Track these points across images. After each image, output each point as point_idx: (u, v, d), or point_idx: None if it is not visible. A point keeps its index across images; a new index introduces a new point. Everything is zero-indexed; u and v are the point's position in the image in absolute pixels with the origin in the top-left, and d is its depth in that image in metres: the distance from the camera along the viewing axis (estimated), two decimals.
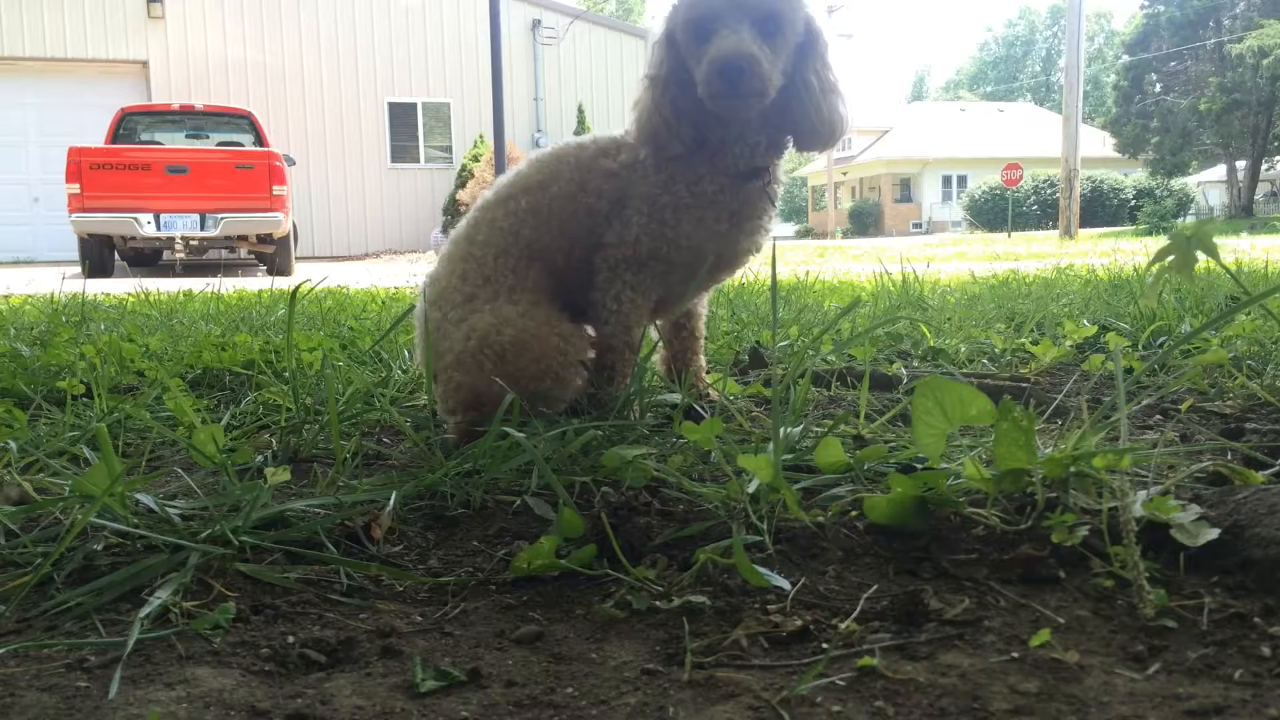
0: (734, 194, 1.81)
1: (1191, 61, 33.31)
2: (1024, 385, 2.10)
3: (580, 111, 19.76)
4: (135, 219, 11.12)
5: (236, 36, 18.72)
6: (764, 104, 1.69)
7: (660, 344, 2.11)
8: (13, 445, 1.59)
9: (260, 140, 13.06)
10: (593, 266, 1.85)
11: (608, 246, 1.83)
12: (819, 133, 1.76)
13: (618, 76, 21.50)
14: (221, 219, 11.41)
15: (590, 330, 1.90)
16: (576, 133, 19.17)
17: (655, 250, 1.80)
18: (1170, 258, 1.27)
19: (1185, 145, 33.43)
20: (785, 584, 1.04)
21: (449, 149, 20.12)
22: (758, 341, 2.80)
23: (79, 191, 10.96)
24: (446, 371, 1.73)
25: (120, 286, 6.64)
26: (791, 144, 1.84)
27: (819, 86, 1.74)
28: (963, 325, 3.06)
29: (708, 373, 2.16)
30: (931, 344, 2.69)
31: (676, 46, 1.74)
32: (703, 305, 2.12)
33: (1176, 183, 37.07)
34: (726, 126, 1.77)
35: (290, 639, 0.98)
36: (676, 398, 1.85)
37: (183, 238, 11.57)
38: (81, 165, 11.00)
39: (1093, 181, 37.22)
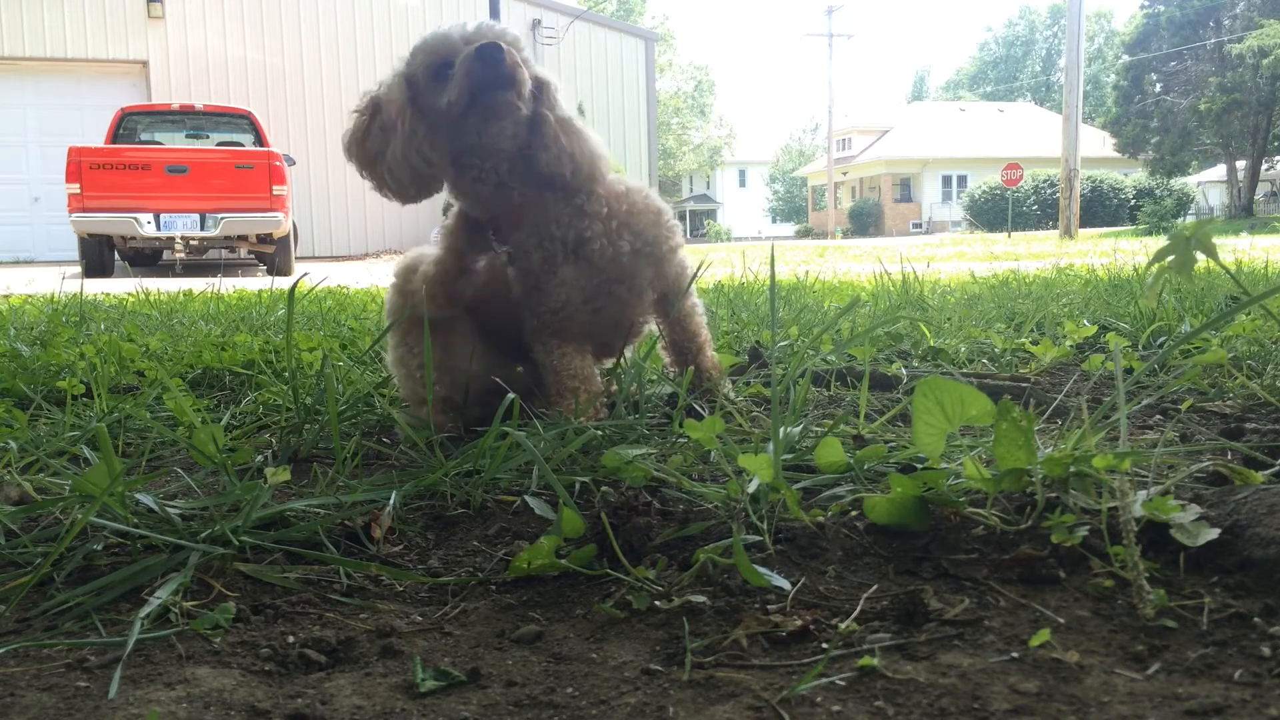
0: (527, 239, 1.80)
1: (1191, 61, 33.31)
2: (1024, 385, 2.10)
3: (580, 111, 19.64)
4: (135, 219, 11.11)
5: (236, 36, 18.71)
6: (520, 115, 1.70)
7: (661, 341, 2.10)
8: (13, 445, 1.59)
9: (260, 140, 13.05)
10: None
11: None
12: (565, 165, 1.76)
13: (618, 76, 21.51)
14: (221, 219, 11.40)
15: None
16: None
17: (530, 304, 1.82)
18: (1170, 258, 1.27)
19: (1185, 145, 33.43)
20: (785, 584, 1.04)
21: None
22: (757, 341, 2.80)
23: (79, 191, 10.95)
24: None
25: (120, 286, 6.64)
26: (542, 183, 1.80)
27: (556, 120, 1.77)
28: (963, 325, 3.05)
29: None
30: (931, 344, 2.69)
31: (416, 100, 1.74)
32: (695, 310, 2.08)
33: (1176, 183, 37.07)
34: (483, 157, 1.75)
35: (290, 639, 0.98)
36: (674, 388, 1.85)
37: (183, 238, 11.56)
38: (81, 165, 10.99)
39: (1093, 181, 37.24)
